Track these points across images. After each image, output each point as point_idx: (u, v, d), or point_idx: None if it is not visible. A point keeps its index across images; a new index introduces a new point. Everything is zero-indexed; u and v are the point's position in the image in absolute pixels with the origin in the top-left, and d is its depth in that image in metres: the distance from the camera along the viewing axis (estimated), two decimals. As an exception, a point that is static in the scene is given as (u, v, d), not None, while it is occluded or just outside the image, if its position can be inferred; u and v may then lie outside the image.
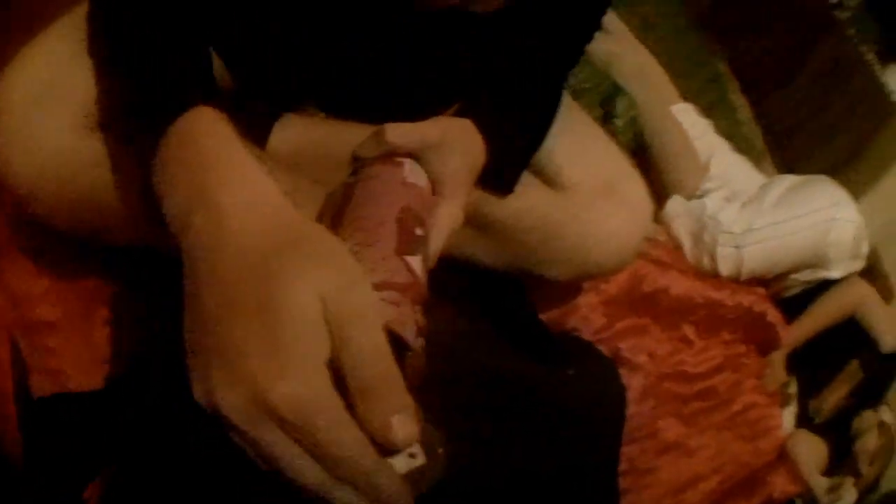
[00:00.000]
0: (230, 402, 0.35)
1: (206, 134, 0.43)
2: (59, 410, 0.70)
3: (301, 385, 0.34)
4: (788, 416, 1.48)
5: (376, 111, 0.56)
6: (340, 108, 0.72)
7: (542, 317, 1.07)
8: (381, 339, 0.36)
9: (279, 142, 0.69)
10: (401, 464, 0.37)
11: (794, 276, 1.45)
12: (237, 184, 0.41)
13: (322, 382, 0.35)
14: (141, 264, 0.70)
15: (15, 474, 0.65)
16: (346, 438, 0.35)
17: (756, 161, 1.61)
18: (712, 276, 1.39)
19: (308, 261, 0.37)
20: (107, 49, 0.55)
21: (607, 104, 1.35)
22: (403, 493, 0.37)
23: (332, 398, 0.35)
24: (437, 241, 0.54)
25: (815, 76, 1.78)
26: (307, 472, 0.35)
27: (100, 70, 0.57)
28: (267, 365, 0.34)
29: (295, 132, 0.70)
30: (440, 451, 0.39)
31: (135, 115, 0.47)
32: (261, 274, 0.36)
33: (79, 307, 0.75)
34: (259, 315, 0.35)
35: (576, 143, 0.80)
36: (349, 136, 0.56)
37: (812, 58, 1.78)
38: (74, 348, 0.73)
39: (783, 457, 1.42)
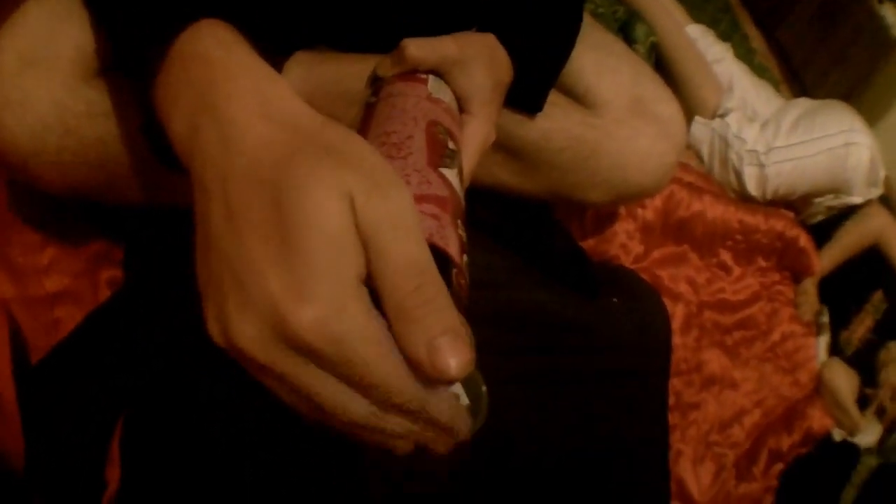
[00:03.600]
0: (247, 333, 0.29)
1: (212, 46, 0.38)
2: (58, 368, 0.64)
3: (329, 306, 0.28)
4: (822, 346, 1.45)
5: (390, 40, 0.51)
6: (352, 41, 0.67)
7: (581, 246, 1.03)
8: (424, 250, 0.31)
9: (291, 82, 0.64)
10: None
11: (817, 199, 1.44)
12: (247, 93, 0.35)
13: (354, 302, 0.29)
14: (148, 223, 0.66)
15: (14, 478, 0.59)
16: (390, 365, 0.29)
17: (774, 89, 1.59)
18: (743, 200, 1.37)
19: (331, 161, 0.31)
20: None
21: (626, 31, 1.32)
22: (464, 416, 0.32)
23: (368, 319, 0.29)
24: (469, 160, 0.49)
25: (814, 9, 1.78)
26: (350, 406, 0.30)
27: (94, 16, 0.53)
28: (287, 284, 0.29)
29: (307, 70, 0.65)
30: (484, 390, 0.34)
31: (133, 46, 0.42)
32: (275, 178, 0.31)
33: (85, 273, 0.70)
34: (274, 226, 0.30)
35: (604, 60, 0.78)
36: (364, 69, 0.52)
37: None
38: (81, 315, 0.68)
39: (819, 389, 1.40)
